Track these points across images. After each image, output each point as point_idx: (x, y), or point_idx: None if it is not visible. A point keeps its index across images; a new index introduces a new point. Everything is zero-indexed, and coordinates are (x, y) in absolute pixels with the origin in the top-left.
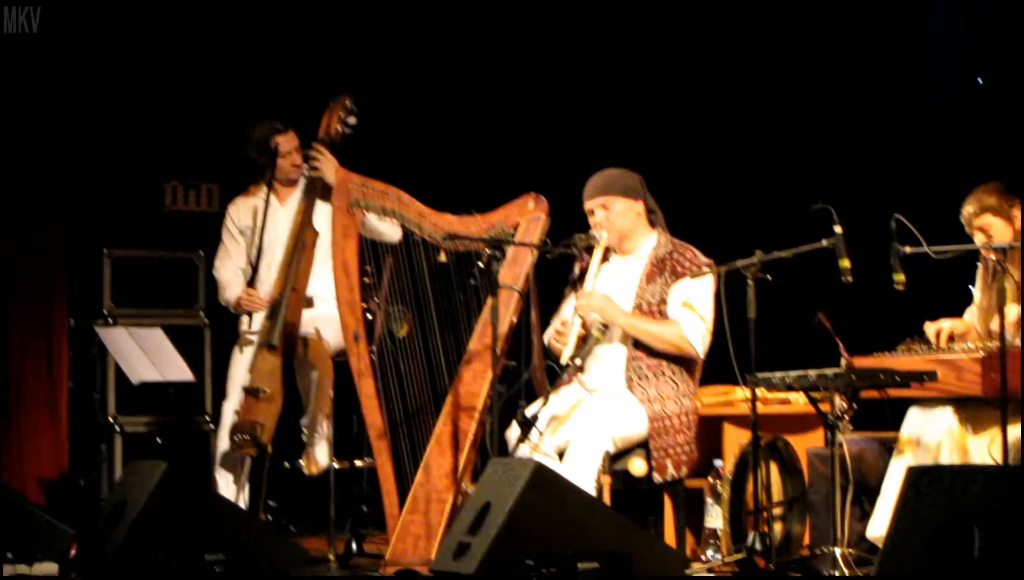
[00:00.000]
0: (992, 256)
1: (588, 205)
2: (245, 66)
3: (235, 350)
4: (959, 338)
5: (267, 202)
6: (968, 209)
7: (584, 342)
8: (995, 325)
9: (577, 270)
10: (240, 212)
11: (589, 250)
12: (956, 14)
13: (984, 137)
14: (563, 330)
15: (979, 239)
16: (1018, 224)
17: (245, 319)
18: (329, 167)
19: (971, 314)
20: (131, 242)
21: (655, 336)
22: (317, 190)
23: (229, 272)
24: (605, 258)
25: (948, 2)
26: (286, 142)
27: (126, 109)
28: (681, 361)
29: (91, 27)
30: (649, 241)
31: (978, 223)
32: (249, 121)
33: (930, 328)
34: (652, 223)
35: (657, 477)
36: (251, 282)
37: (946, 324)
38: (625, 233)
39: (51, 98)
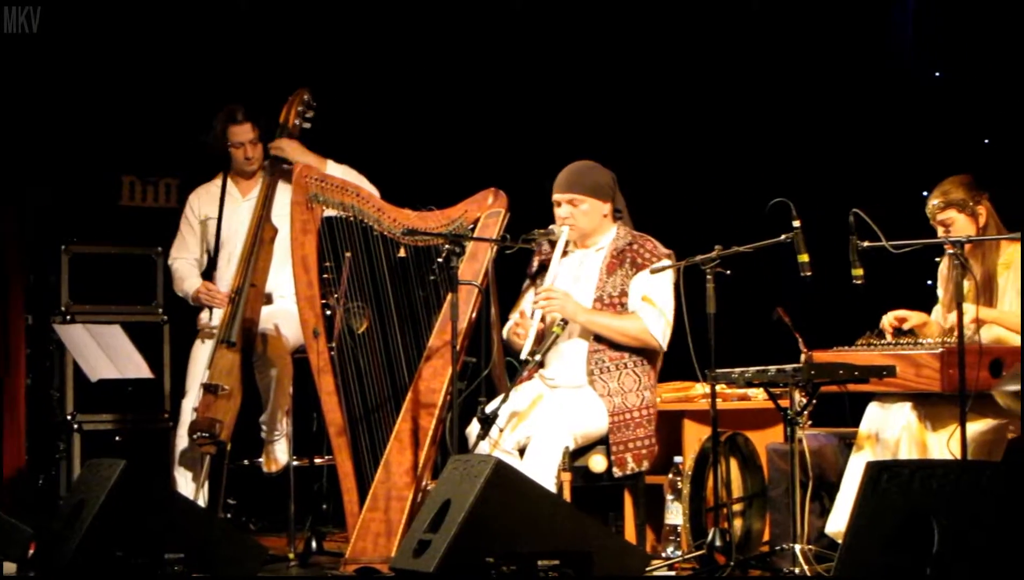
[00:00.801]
0: (949, 249)
1: (556, 197)
2: (204, 60)
3: (195, 345)
4: (917, 329)
5: (223, 190)
6: (933, 202)
7: (543, 338)
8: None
9: (536, 263)
10: (201, 201)
11: (550, 244)
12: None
13: (943, 132)
14: (522, 324)
15: (941, 233)
16: (983, 220)
17: (205, 313)
18: (292, 150)
19: (937, 312)
20: (89, 238)
21: (617, 331)
22: (278, 177)
23: (186, 264)
24: (564, 252)
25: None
26: (240, 133)
27: (83, 104)
28: (643, 353)
29: (45, 23)
30: (609, 235)
31: (941, 217)
32: (220, 107)
33: (885, 318)
34: (616, 219)
35: (617, 471)
36: (209, 276)
37: (901, 313)
38: (587, 232)
39: (9, 95)
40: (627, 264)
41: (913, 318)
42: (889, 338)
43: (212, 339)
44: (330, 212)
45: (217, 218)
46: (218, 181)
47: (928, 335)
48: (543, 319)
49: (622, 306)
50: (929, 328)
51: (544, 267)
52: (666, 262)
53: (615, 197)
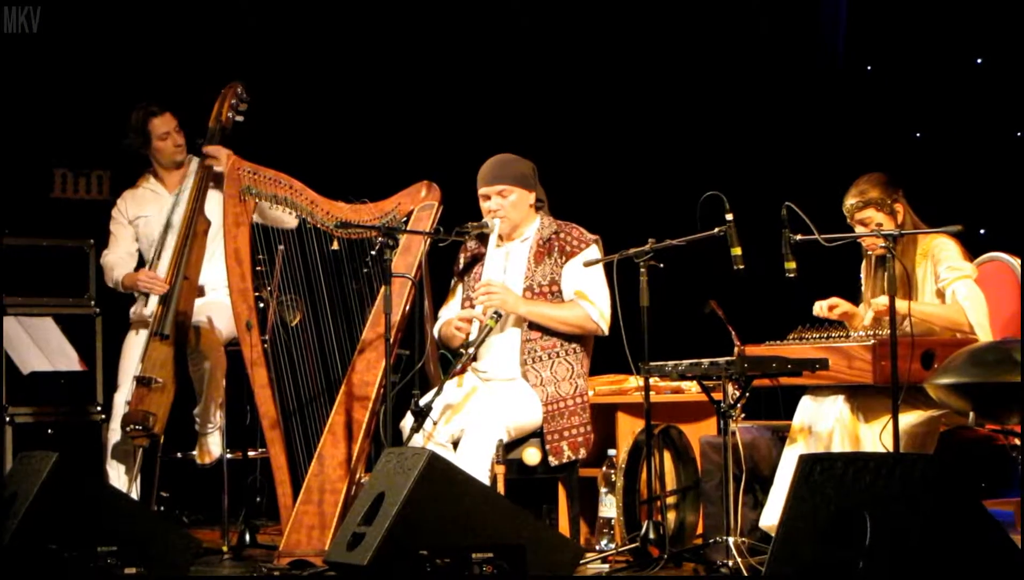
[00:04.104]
0: (881, 242)
1: (484, 190)
2: (136, 52)
3: (128, 336)
4: (847, 320)
5: (162, 191)
6: (849, 201)
7: (477, 331)
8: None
9: (462, 260)
10: (129, 204)
11: (482, 238)
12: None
13: (875, 126)
14: (467, 319)
15: (860, 231)
16: (900, 217)
17: (137, 304)
18: (222, 157)
19: (862, 307)
20: (20, 231)
21: (559, 319)
22: (209, 176)
23: (116, 257)
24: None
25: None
26: (162, 124)
27: (13, 95)
28: (577, 341)
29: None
30: (533, 225)
31: (859, 216)
32: (131, 110)
33: (818, 305)
34: (538, 210)
35: (553, 460)
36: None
37: (834, 300)
38: (516, 222)
39: None
40: (555, 252)
41: (844, 305)
42: (825, 314)
43: (145, 330)
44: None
45: (148, 218)
46: (144, 184)
47: (857, 328)
48: (483, 312)
49: (552, 295)
50: (858, 320)
51: (471, 264)
52: (598, 255)
53: (536, 187)
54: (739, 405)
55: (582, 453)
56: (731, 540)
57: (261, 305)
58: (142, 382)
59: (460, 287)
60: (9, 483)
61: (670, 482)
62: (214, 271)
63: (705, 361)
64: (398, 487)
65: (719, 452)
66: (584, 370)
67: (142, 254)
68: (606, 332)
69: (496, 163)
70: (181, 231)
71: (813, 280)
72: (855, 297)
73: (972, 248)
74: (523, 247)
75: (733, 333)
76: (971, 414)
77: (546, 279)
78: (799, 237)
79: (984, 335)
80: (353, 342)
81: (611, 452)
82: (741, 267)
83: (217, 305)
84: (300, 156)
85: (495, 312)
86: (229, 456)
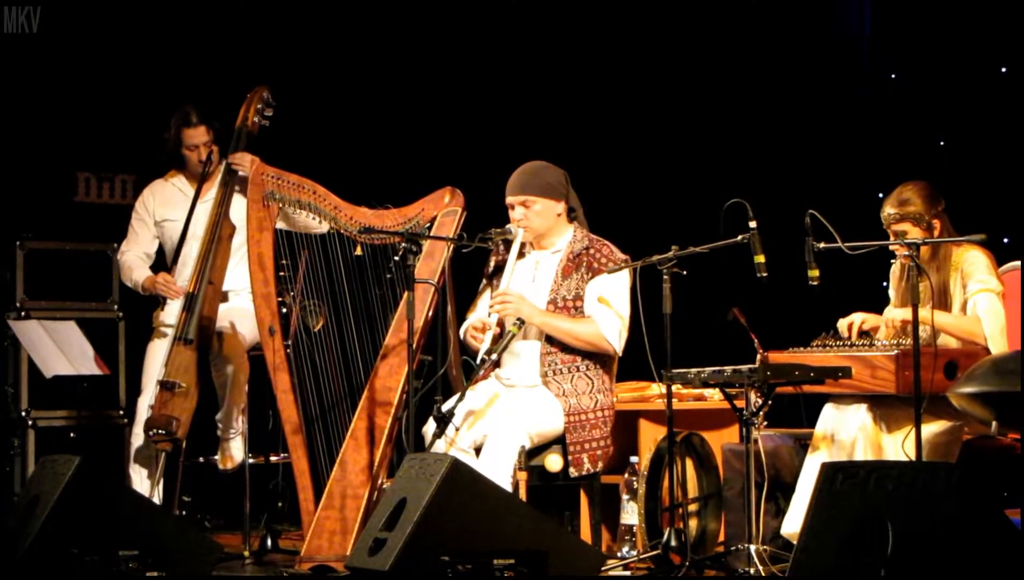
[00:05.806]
0: (905, 251)
1: (509, 200)
2: (163, 57)
3: (150, 343)
4: (872, 332)
5: (194, 194)
6: (889, 210)
7: (500, 337)
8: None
9: (492, 264)
10: (156, 199)
11: (506, 245)
12: (867, 11)
13: (899, 134)
14: (479, 329)
15: (889, 239)
16: (937, 233)
17: (159, 310)
18: (246, 163)
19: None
20: (44, 234)
21: (572, 334)
22: (235, 181)
23: (134, 256)
24: (521, 254)
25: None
26: (194, 136)
27: (38, 99)
28: (597, 357)
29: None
30: (566, 237)
31: (896, 228)
32: (176, 107)
33: (842, 322)
34: (572, 220)
35: (573, 471)
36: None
37: (858, 317)
38: (542, 232)
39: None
40: (583, 268)
41: (871, 320)
42: (850, 336)
43: (168, 334)
44: (281, 225)
45: (173, 220)
46: (172, 179)
47: (882, 337)
48: (499, 323)
49: (576, 309)
50: (882, 329)
51: (500, 268)
52: (626, 274)
53: (568, 196)
54: (761, 413)
55: (600, 466)
56: (753, 548)
57: (284, 310)
58: (166, 386)
59: (488, 291)
60: (31, 487)
61: (692, 489)
62: (238, 276)
63: (728, 368)
64: (420, 493)
65: (741, 460)
66: (606, 385)
67: (164, 255)
68: (619, 352)
69: (523, 172)
70: (206, 236)
71: (837, 288)
72: (878, 305)
73: (996, 256)
74: (553, 259)
75: (756, 341)
76: (994, 423)
77: (571, 293)
78: (822, 245)
79: (996, 348)
80: (376, 348)
81: (633, 459)
82: (764, 275)
83: (240, 310)
84: (324, 161)
85: (518, 318)
86: (251, 461)
